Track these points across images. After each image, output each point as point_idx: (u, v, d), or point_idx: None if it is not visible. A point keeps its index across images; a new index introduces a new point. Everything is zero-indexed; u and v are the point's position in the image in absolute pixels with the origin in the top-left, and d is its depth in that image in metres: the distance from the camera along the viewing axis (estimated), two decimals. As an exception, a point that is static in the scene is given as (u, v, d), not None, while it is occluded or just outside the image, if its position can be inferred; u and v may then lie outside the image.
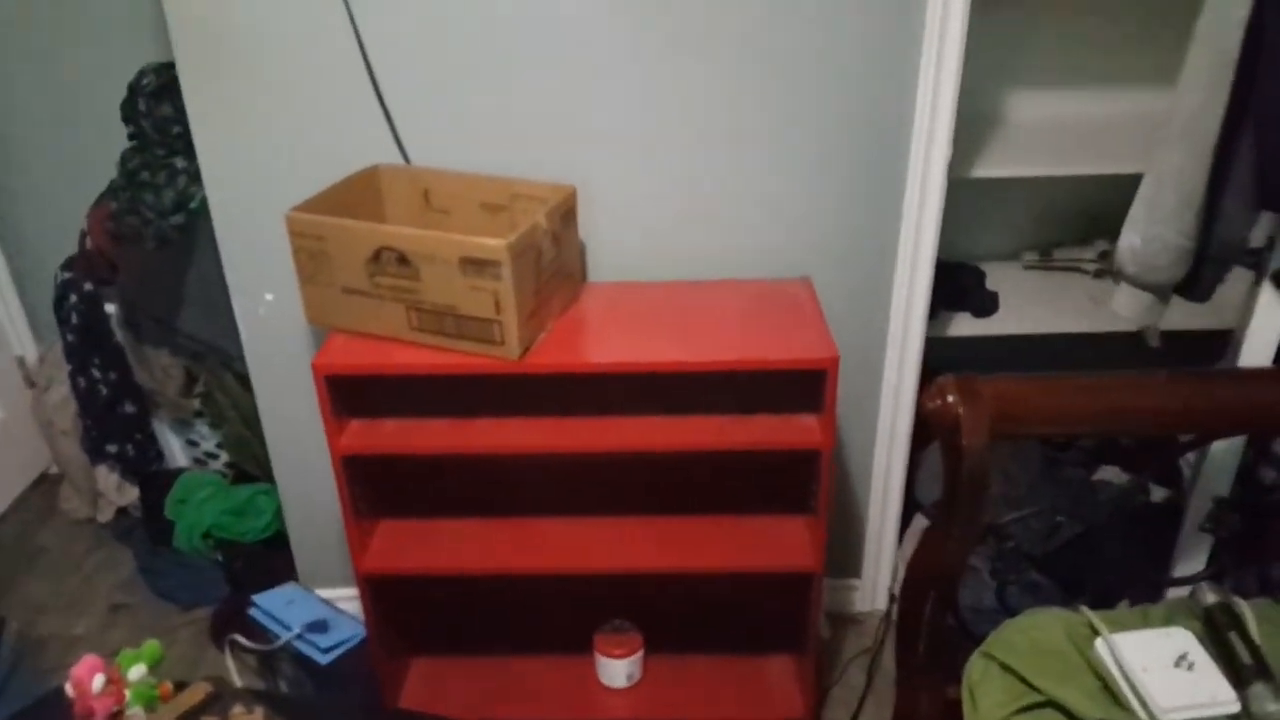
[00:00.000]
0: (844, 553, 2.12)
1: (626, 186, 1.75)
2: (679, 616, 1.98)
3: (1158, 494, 2.02)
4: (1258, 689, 1.17)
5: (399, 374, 1.57)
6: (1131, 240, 1.47)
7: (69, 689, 1.34)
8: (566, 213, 1.65)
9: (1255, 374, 1.50)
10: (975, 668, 1.34)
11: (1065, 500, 1.95)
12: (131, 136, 2.13)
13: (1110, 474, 2.06)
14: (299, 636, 1.82)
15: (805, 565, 1.67)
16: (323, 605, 1.91)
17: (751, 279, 1.79)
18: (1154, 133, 1.42)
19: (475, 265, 1.46)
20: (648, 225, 1.79)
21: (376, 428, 1.64)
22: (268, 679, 1.98)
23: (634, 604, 1.95)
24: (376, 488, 1.75)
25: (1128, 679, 1.21)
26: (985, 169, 1.83)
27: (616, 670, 1.91)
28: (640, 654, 1.92)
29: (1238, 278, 1.58)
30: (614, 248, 1.81)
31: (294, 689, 1.88)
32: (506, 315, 1.49)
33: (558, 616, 1.99)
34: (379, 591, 1.77)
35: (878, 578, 2.14)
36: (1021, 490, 1.92)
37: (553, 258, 1.60)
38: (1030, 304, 2.05)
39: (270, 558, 2.24)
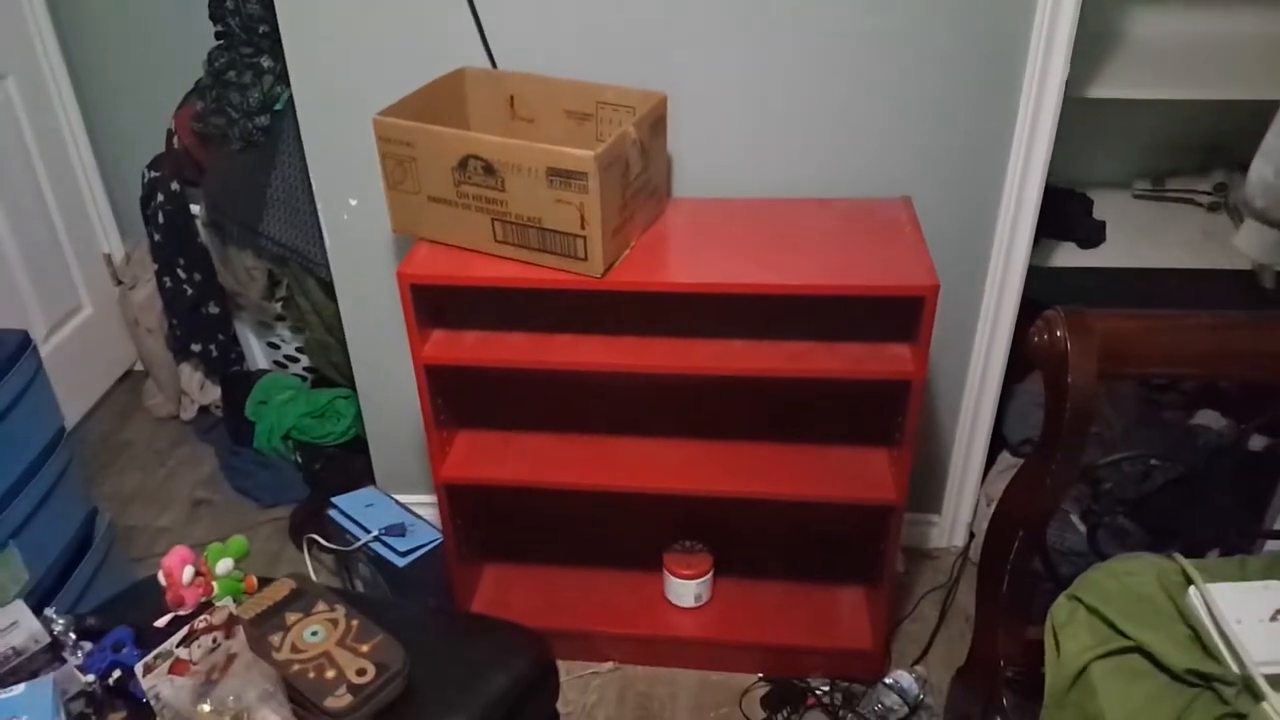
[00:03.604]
0: (924, 487, 2.07)
1: (716, 95, 1.68)
2: (752, 541, 1.97)
3: (1256, 442, 1.93)
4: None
5: (483, 286, 1.55)
6: (1263, 172, 1.37)
7: (160, 578, 1.38)
8: (656, 122, 1.59)
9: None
10: (1061, 610, 1.31)
11: (1162, 445, 1.87)
12: (219, 35, 2.11)
13: (1209, 419, 1.97)
14: (377, 539, 1.86)
15: (886, 498, 1.63)
16: (400, 510, 1.94)
17: (847, 198, 1.72)
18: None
19: (562, 176, 1.42)
20: (738, 138, 1.72)
21: (458, 339, 1.64)
22: (343, 578, 2.03)
23: (707, 526, 1.94)
24: (456, 398, 1.75)
25: (1220, 630, 1.16)
26: (1103, 89, 1.72)
27: (685, 590, 1.91)
28: (710, 575, 1.91)
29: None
30: (701, 162, 1.74)
31: (368, 589, 1.93)
32: (591, 230, 1.45)
33: (631, 533, 1.99)
34: (456, 499, 1.78)
35: (958, 514, 2.09)
36: (1116, 432, 1.84)
37: (640, 171, 1.55)
38: (1138, 236, 1.94)
39: (348, 461, 2.28)
